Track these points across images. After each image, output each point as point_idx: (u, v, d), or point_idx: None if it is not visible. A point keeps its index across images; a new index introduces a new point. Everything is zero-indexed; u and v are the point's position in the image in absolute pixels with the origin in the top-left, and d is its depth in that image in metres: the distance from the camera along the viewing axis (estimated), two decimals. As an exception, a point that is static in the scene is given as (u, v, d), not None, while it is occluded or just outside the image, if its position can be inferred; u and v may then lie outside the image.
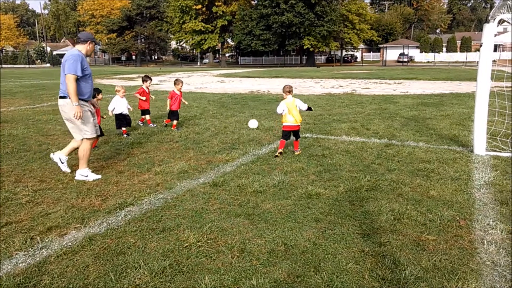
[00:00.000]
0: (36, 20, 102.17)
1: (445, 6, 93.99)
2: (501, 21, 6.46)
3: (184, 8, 62.80)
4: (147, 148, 7.07)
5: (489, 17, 6.16)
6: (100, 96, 7.22)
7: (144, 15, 78.74)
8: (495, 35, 6.49)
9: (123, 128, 8.13)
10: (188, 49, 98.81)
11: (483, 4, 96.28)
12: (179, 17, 64.52)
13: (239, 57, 79.39)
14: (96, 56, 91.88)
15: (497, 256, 3.16)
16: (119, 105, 7.96)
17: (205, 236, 3.57)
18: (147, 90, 9.14)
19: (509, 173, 5.32)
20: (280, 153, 6.39)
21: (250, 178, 5.23)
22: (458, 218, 3.91)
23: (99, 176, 5.35)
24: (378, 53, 74.33)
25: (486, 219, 3.87)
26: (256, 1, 63.36)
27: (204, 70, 51.82)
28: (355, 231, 3.66)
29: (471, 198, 4.46)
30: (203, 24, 63.72)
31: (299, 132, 6.64)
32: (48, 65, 74.34)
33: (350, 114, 10.68)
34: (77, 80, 5.02)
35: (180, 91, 8.77)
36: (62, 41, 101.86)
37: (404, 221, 3.85)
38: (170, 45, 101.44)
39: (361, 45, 70.43)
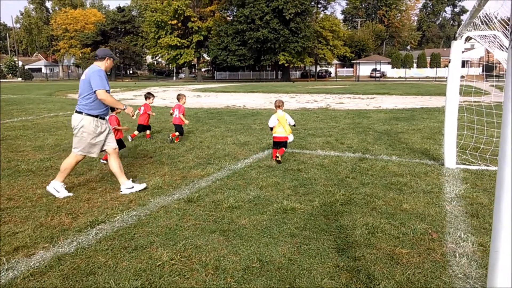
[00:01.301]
0: (7, 34, 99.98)
1: (415, 23, 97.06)
2: (468, 38, 6.70)
3: (159, 23, 62.77)
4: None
5: (457, 35, 6.38)
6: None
7: (119, 29, 78.25)
8: (463, 52, 6.72)
9: None
10: (163, 64, 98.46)
11: (451, 22, 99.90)
12: (155, 32, 64.39)
13: (215, 72, 79.59)
14: (69, 71, 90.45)
15: (468, 268, 3.21)
16: None
17: (178, 254, 3.51)
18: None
19: (478, 186, 5.45)
20: (277, 157, 6.83)
21: (225, 194, 5.20)
22: (430, 231, 3.97)
23: (70, 194, 5.21)
24: (352, 69, 75.83)
25: (457, 231, 3.95)
26: (231, 17, 63.97)
27: (180, 84, 51.66)
28: (330, 245, 3.66)
29: (442, 211, 4.54)
30: (179, 39, 63.76)
31: (287, 143, 7.11)
32: (19, 79, 72.65)
33: (325, 128, 10.80)
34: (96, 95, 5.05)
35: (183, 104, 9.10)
36: (34, 55, 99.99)
37: (378, 235, 3.88)
38: (145, 59, 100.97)
39: (335, 61, 71.81)
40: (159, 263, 3.34)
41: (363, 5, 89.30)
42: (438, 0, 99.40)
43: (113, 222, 4.27)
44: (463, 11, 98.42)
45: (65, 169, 5.19)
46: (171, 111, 9.17)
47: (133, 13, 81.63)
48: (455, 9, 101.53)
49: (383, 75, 65.20)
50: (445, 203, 4.78)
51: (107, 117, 5.40)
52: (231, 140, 9.15)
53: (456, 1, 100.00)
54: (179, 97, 9.21)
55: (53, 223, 4.27)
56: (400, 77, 63.09)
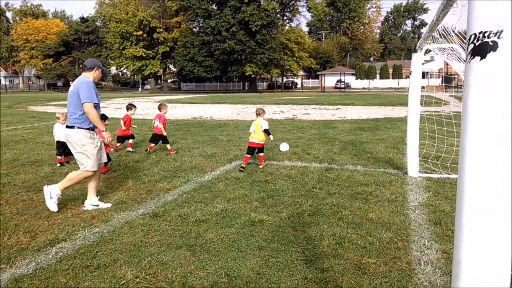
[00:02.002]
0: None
1: (377, 36, 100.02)
2: (427, 51, 6.94)
3: (124, 34, 61.96)
4: (83, 178, 6.71)
5: (417, 47, 6.59)
6: (106, 122, 7.28)
7: (83, 40, 76.67)
8: (423, 64, 6.95)
9: (58, 157, 7.73)
10: (129, 75, 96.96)
11: (412, 34, 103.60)
12: (119, 43, 63.46)
13: (181, 83, 79.05)
14: (30, 82, 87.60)
15: (433, 276, 3.27)
16: (58, 132, 7.65)
17: (143, 271, 3.40)
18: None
19: (440, 194, 5.60)
20: (243, 167, 7.07)
21: (192, 207, 5.11)
22: (396, 239, 4.03)
23: (56, 209, 4.97)
24: (317, 80, 77.10)
25: (421, 239, 4.02)
26: (197, 29, 63.92)
27: (146, 96, 50.96)
28: (298, 257, 3.65)
29: (407, 219, 4.63)
30: (144, 50, 63.09)
31: (262, 148, 7.42)
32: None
33: (292, 139, 10.87)
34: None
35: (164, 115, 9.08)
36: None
37: (345, 245, 3.90)
38: (110, 70, 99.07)
39: (301, 72, 72.83)
40: (123, 281, 3.23)
41: (327, 18, 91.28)
42: (399, 13, 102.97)
43: (74, 240, 4.10)
44: (423, 24, 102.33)
45: (71, 180, 5.06)
46: (153, 121, 9.19)
47: (97, 23, 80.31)
48: (415, 22, 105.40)
49: (347, 86, 66.63)
50: (409, 212, 4.88)
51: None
52: (198, 152, 9.06)
53: (416, 15, 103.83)
54: (160, 107, 9.16)
55: (10, 242, 4.06)
56: (364, 88, 64.66)
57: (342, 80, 65.49)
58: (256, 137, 7.25)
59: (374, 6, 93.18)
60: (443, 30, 5.18)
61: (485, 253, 1.28)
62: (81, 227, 4.45)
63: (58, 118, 7.75)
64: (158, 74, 72.86)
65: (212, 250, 3.83)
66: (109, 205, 5.25)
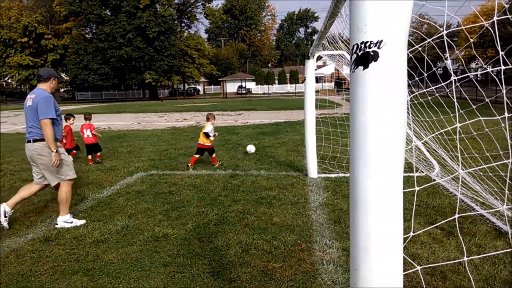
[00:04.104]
0: None
1: (274, 43, 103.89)
2: (319, 57, 7.31)
3: (7, 41, 56.31)
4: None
5: (309, 54, 6.91)
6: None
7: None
8: (316, 69, 7.32)
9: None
10: (14, 85, 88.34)
11: (305, 41, 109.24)
12: (2, 51, 57.52)
13: (75, 92, 74.12)
14: None
15: (335, 274, 3.40)
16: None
17: (33, 305, 3.05)
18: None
19: (338, 193, 5.91)
20: (188, 166, 7.87)
21: (89, 227, 4.75)
22: (299, 241, 4.14)
23: (84, 221, 4.90)
24: (219, 86, 77.68)
25: (323, 239, 4.18)
26: (91, 35, 60.52)
27: (35, 107, 46.73)
28: (205, 270, 3.56)
29: (309, 220, 4.79)
30: (31, 58, 57.96)
31: (210, 150, 8.20)
32: None
33: (196, 147, 10.72)
34: (53, 121, 4.77)
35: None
36: None
37: (252, 252, 3.91)
38: None
39: (203, 79, 72.78)
40: (8, 320, 2.86)
41: (225, 25, 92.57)
42: (293, 21, 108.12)
43: None
44: (314, 31, 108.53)
45: (66, 200, 4.90)
46: (81, 133, 9.01)
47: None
48: (308, 30, 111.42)
49: (249, 91, 68.09)
50: (311, 212, 5.06)
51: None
52: (95, 166, 8.51)
53: (308, 23, 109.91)
54: (87, 116, 9.16)
55: None
56: (264, 93, 66.57)
57: (243, 86, 66.79)
58: (201, 139, 8.12)
59: (269, 14, 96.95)
60: (332, 38, 5.49)
61: (378, 256, 1.32)
62: (-45, 262, 3.87)
63: None
64: (48, 84, 67.35)
65: (112, 272, 3.57)
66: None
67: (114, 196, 6.12)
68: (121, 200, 5.88)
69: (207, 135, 7.98)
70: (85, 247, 4.18)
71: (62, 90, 76.02)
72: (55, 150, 4.74)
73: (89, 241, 4.31)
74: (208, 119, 8.27)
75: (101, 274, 3.55)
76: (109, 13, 56.63)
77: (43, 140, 4.73)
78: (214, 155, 8.24)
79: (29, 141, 4.78)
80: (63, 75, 67.65)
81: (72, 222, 4.87)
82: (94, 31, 58.29)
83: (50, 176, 4.88)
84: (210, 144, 8.13)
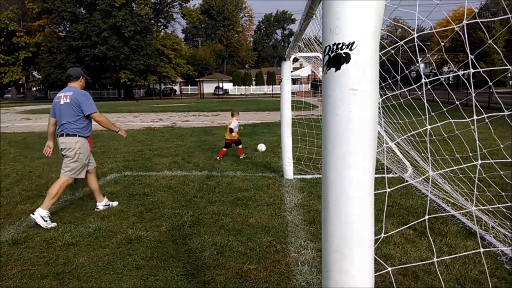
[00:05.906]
0: None
1: (251, 44, 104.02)
2: (295, 59, 7.35)
3: (-24, 37, 54.60)
4: None
5: (285, 56, 6.94)
6: None
7: None
8: (292, 71, 7.35)
9: None
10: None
11: (282, 43, 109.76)
12: (-30, 48, 55.73)
13: (48, 91, 72.32)
14: None
15: (310, 275, 3.41)
16: None
17: (-1, 311, 2.94)
18: None
19: (314, 194, 5.95)
20: (216, 159, 8.65)
21: (60, 229, 4.62)
22: (274, 243, 4.14)
23: (55, 224, 4.80)
24: (196, 87, 77.24)
25: (298, 240, 4.19)
26: (64, 33, 59.21)
27: (6, 106, 45.44)
28: (179, 272, 3.52)
29: (284, 221, 4.80)
30: (2, 56, 56.30)
31: (238, 143, 8.91)
32: None
33: (171, 148, 10.63)
34: (86, 117, 5.12)
35: None
36: None
37: (227, 254, 3.88)
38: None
39: (179, 79, 72.22)
40: (-28, 327, 2.75)
41: (203, 25, 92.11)
42: (270, 23, 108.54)
43: None
44: (291, 33, 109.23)
45: (55, 195, 4.96)
46: None
47: None
48: (285, 32, 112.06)
49: (226, 92, 67.95)
50: (286, 213, 5.07)
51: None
52: (67, 167, 8.29)
53: (285, 25, 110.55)
54: None
55: None
56: (241, 94, 66.58)
57: (220, 86, 66.62)
58: (228, 134, 8.84)
59: (246, 15, 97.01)
60: (308, 40, 5.52)
61: (349, 258, 1.33)
62: None
63: None
64: (20, 82, 65.68)
65: (83, 276, 3.48)
66: (116, 203, 5.59)
67: (86, 198, 5.99)
68: (93, 201, 5.74)
69: (231, 130, 8.69)
70: (55, 250, 4.07)
71: (34, 89, 74.15)
72: (118, 130, 5.50)
73: (59, 244, 4.20)
74: (232, 115, 9.11)
75: (71, 277, 3.45)
76: (83, 11, 55.52)
77: (75, 135, 5.04)
78: (240, 146, 8.94)
79: (62, 135, 5.06)
80: (35, 73, 66.00)
81: (46, 221, 4.76)
82: (68, 29, 57.17)
83: (73, 167, 5.10)
84: (236, 137, 8.82)
